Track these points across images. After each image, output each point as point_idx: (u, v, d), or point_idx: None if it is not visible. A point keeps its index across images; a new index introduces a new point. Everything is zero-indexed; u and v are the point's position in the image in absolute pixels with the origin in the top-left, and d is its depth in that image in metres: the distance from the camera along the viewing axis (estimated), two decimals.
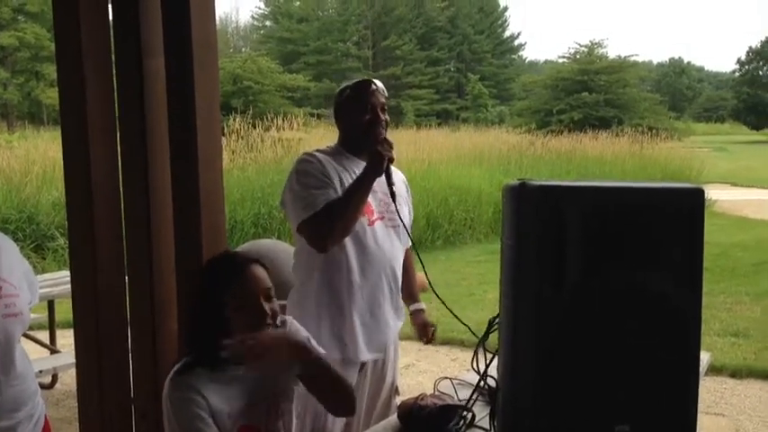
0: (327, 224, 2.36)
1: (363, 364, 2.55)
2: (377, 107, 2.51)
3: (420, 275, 6.59)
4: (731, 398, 4.67)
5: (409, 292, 2.84)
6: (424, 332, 2.90)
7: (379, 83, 2.57)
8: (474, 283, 8.12)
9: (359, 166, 2.47)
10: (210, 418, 1.81)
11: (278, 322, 1.95)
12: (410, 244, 2.77)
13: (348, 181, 2.45)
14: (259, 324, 1.86)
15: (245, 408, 1.89)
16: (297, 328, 2.04)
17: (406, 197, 2.70)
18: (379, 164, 2.37)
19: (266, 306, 1.87)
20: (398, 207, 2.50)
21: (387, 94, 2.60)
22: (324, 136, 17.55)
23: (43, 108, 35.34)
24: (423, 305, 2.91)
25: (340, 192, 2.41)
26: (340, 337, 2.45)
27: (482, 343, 2.00)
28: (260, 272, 1.91)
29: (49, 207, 8.96)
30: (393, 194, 2.43)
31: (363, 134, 2.49)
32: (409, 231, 2.66)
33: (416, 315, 2.91)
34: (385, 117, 2.53)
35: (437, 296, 2.30)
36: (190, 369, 1.85)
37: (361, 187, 2.38)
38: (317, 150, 2.56)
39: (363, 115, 2.49)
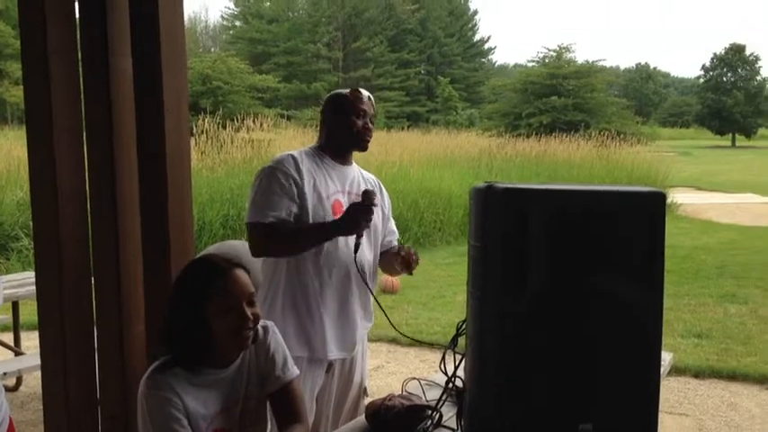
0: (269, 240, 2.40)
1: (331, 365, 2.55)
2: (367, 117, 2.57)
3: (393, 278, 6.56)
4: (694, 398, 4.75)
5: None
6: (408, 256, 2.56)
7: (368, 93, 2.63)
8: (443, 285, 8.14)
9: (335, 169, 2.54)
10: (185, 419, 1.80)
11: (259, 327, 1.96)
12: (394, 241, 2.79)
13: (321, 182, 2.46)
14: (241, 329, 1.86)
15: (220, 411, 1.90)
16: (277, 339, 2.05)
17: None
18: (353, 231, 2.40)
19: (248, 311, 1.86)
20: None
21: (375, 106, 2.66)
22: (293, 137, 17.50)
23: (7, 107, 34.72)
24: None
25: (309, 191, 2.42)
26: (307, 336, 2.46)
27: (451, 347, 2.01)
28: (243, 276, 1.90)
29: (13, 207, 8.80)
30: (357, 246, 2.44)
31: (349, 142, 2.57)
32: (388, 228, 2.75)
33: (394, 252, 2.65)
34: (372, 129, 2.60)
35: (376, 301, 2.29)
36: (168, 369, 1.85)
37: (321, 236, 2.42)
38: (298, 150, 2.57)
39: (352, 124, 2.54)
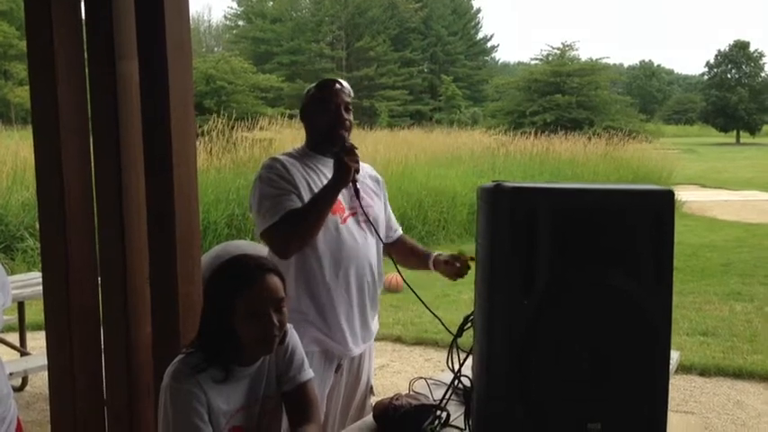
0: (288, 233, 2.36)
1: (339, 365, 2.55)
2: (340, 107, 2.48)
3: (395, 276, 6.60)
4: (700, 396, 4.74)
5: (418, 253, 2.82)
6: (457, 261, 2.62)
7: (344, 82, 2.54)
8: (448, 284, 8.05)
9: (326, 166, 2.47)
10: (207, 415, 1.82)
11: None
12: (399, 231, 2.87)
13: (316, 182, 2.45)
14: (265, 334, 1.87)
15: (240, 408, 1.92)
16: (295, 340, 2.07)
17: (376, 189, 2.70)
18: (345, 175, 2.35)
19: (275, 317, 1.87)
20: (367, 201, 2.53)
21: (352, 94, 2.58)
22: (297, 137, 17.50)
23: (12, 107, 34.80)
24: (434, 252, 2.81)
25: (306, 195, 2.41)
26: (322, 336, 2.46)
27: (456, 340, 2.02)
28: (273, 281, 1.89)
29: (18, 208, 8.83)
30: (357, 191, 2.45)
31: (326, 135, 2.48)
32: (388, 222, 2.76)
33: (438, 259, 2.70)
34: (348, 117, 2.51)
35: (416, 295, 2.30)
36: (194, 363, 1.86)
37: (326, 197, 2.37)
38: (283, 153, 2.55)
39: (326, 116, 2.48)
